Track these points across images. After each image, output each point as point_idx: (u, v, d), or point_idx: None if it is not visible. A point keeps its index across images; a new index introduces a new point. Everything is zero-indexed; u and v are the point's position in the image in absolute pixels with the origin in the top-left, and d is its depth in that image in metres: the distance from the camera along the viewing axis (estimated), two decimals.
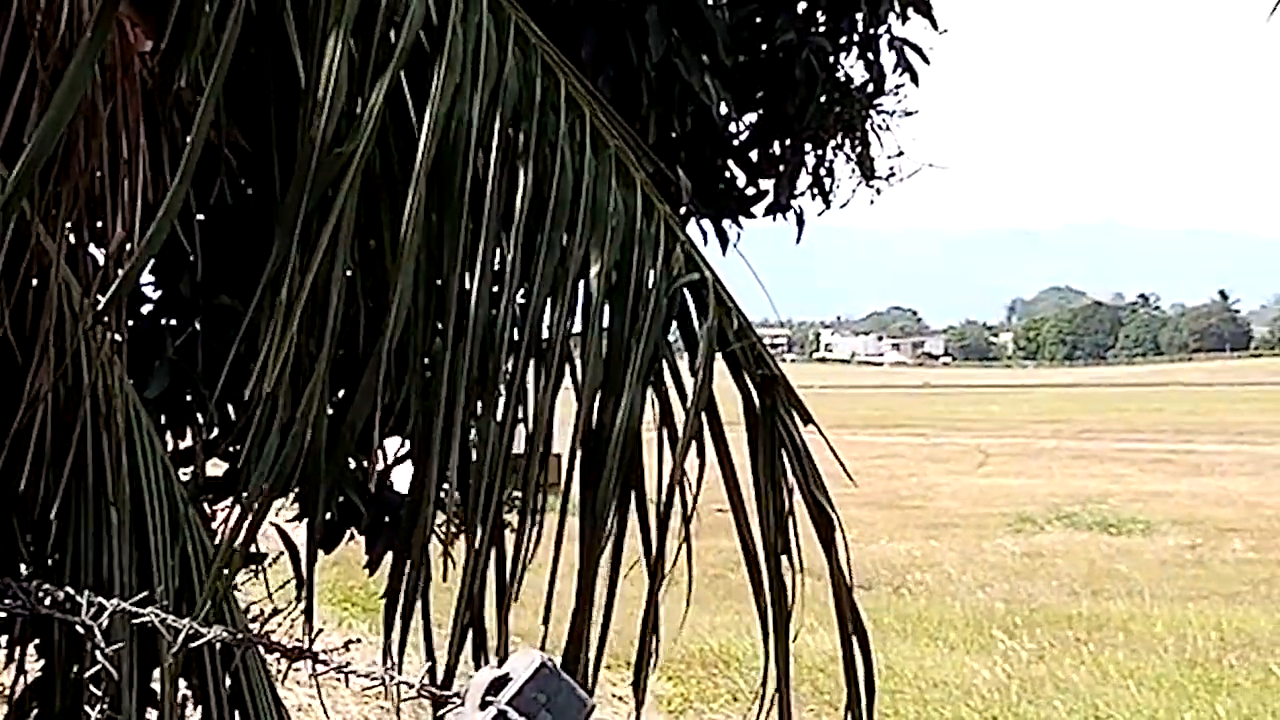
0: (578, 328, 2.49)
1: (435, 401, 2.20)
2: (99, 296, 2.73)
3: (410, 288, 2.14)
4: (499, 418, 2.35)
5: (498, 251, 2.34)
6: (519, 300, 2.40)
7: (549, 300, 2.43)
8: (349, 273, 2.16)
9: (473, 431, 2.32)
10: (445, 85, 2.23)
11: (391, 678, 1.90)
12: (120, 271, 2.59)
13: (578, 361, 2.49)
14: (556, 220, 2.43)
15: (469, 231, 2.28)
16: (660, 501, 2.57)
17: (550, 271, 2.40)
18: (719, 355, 2.62)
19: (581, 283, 2.48)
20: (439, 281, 2.27)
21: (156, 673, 2.99)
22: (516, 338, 2.40)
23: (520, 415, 2.40)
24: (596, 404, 2.48)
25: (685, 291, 2.62)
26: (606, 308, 2.49)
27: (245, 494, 2.07)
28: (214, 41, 1.93)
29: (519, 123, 2.39)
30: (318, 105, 2.01)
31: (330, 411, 2.21)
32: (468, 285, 2.28)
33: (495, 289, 2.32)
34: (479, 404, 2.32)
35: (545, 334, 2.43)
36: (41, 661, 3.06)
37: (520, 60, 2.40)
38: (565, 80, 2.50)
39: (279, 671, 4.16)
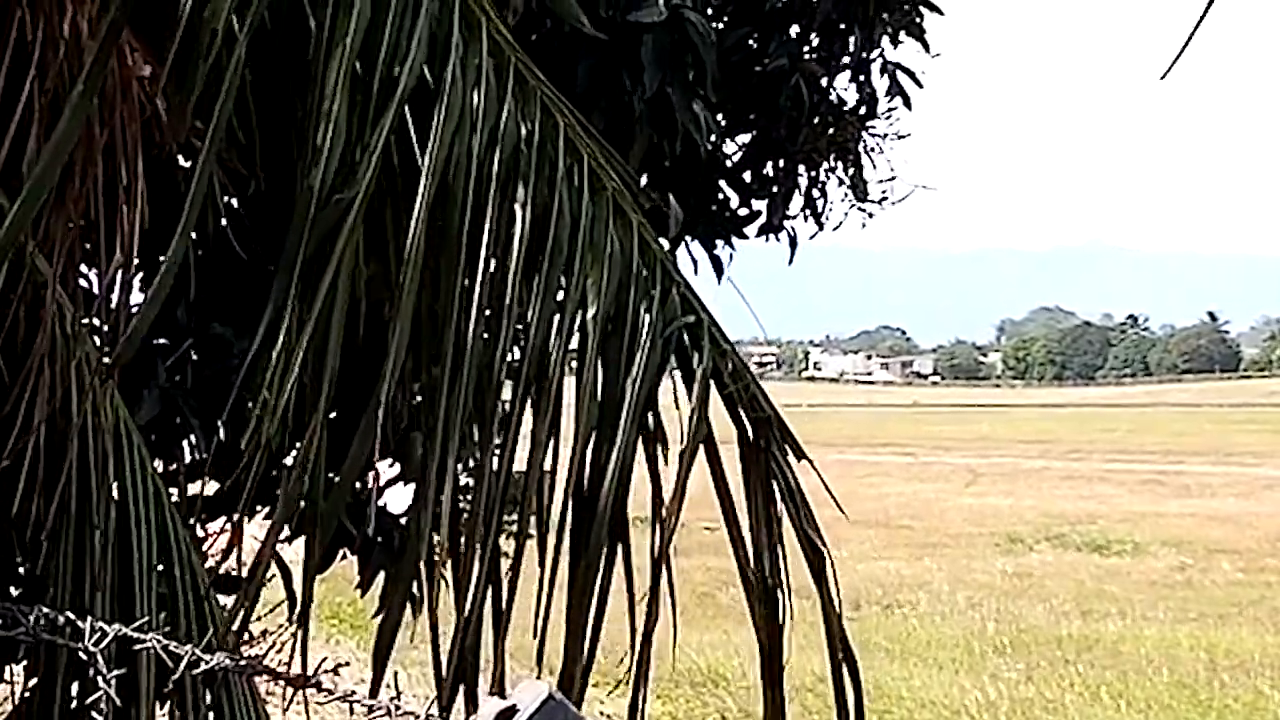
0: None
1: (432, 438, 2.20)
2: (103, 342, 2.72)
3: (408, 330, 2.14)
4: (495, 453, 2.35)
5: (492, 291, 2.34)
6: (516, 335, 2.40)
7: (544, 341, 2.43)
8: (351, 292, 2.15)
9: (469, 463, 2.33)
10: (444, 129, 2.22)
11: (397, 707, 1.88)
12: (114, 296, 2.59)
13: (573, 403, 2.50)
14: (554, 262, 2.43)
15: (467, 272, 2.28)
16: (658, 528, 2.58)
17: (547, 313, 2.41)
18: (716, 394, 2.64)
19: (577, 323, 2.49)
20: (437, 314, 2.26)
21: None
22: (513, 377, 2.40)
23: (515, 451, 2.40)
24: (591, 445, 2.49)
25: (683, 331, 2.63)
26: (602, 348, 2.50)
27: (239, 516, 2.07)
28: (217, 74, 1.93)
29: (517, 165, 2.40)
30: (316, 152, 2.01)
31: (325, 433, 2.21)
32: (464, 324, 2.28)
33: (489, 328, 2.32)
34: (474, 438, 2.32)
35: (541, 373, 2.43)
36: (32, 681, 3.04)
37: (519, 103, 2.40)
38: (564, 121, 2.50)
39: (268, 693, 4.15)
